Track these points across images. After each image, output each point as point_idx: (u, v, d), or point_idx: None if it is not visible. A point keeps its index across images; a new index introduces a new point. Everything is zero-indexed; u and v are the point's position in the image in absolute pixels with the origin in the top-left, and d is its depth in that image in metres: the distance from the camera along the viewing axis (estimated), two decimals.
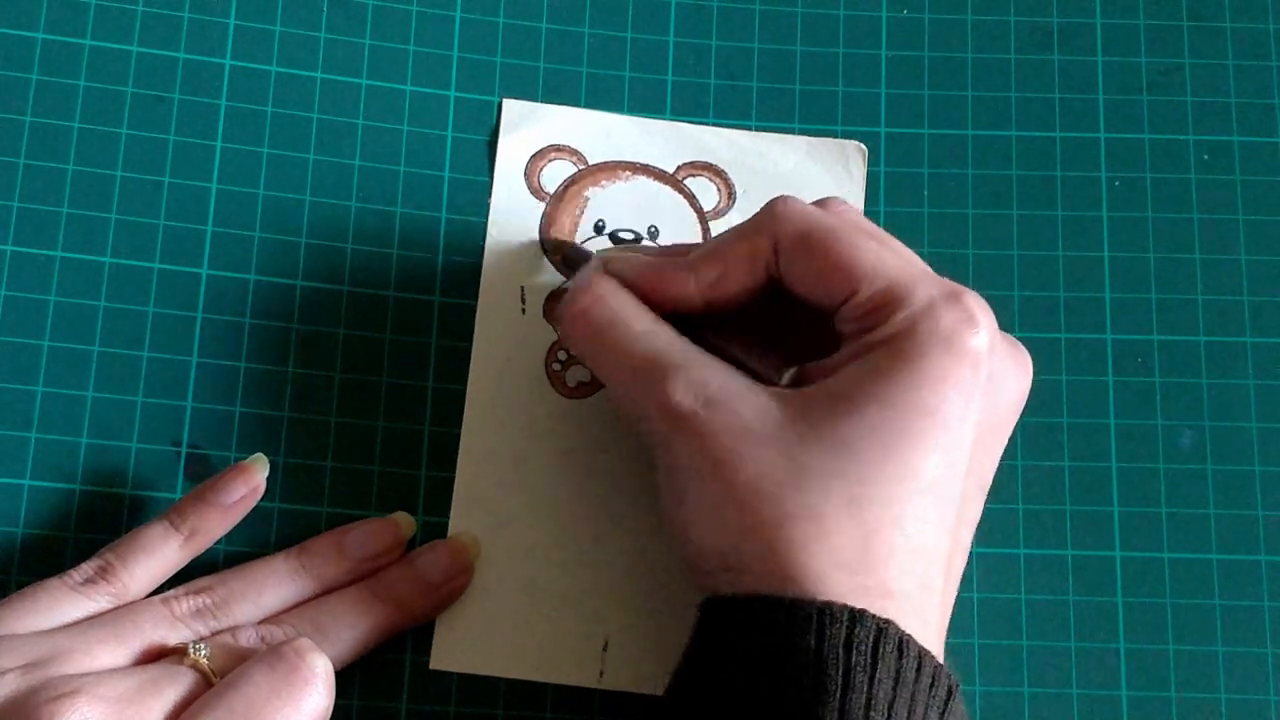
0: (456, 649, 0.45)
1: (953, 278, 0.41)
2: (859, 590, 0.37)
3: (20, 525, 0.45)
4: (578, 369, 0.48)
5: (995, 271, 0.50)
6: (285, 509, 0.46)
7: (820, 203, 0.42)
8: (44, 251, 0.47)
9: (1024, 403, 0.42)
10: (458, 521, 0.46)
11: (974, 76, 0.51)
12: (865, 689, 0.35)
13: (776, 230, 0.41)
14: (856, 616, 0.36)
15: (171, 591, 0.43)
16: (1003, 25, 0.52)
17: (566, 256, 0.48)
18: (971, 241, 0.50)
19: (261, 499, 0.44)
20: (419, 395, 0.47)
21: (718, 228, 0.49)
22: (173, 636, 0.41)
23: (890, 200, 0.50)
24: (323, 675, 0.39)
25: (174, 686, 0.39)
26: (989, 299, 0.40)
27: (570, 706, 0.45)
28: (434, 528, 0.46)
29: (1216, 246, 0.50)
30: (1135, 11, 0.52)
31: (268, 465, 0.45)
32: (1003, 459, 0.42)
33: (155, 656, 0.41)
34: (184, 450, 0.46)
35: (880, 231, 0.42)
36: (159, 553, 0.43)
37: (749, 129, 0.51)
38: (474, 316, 0.48)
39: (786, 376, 0.41)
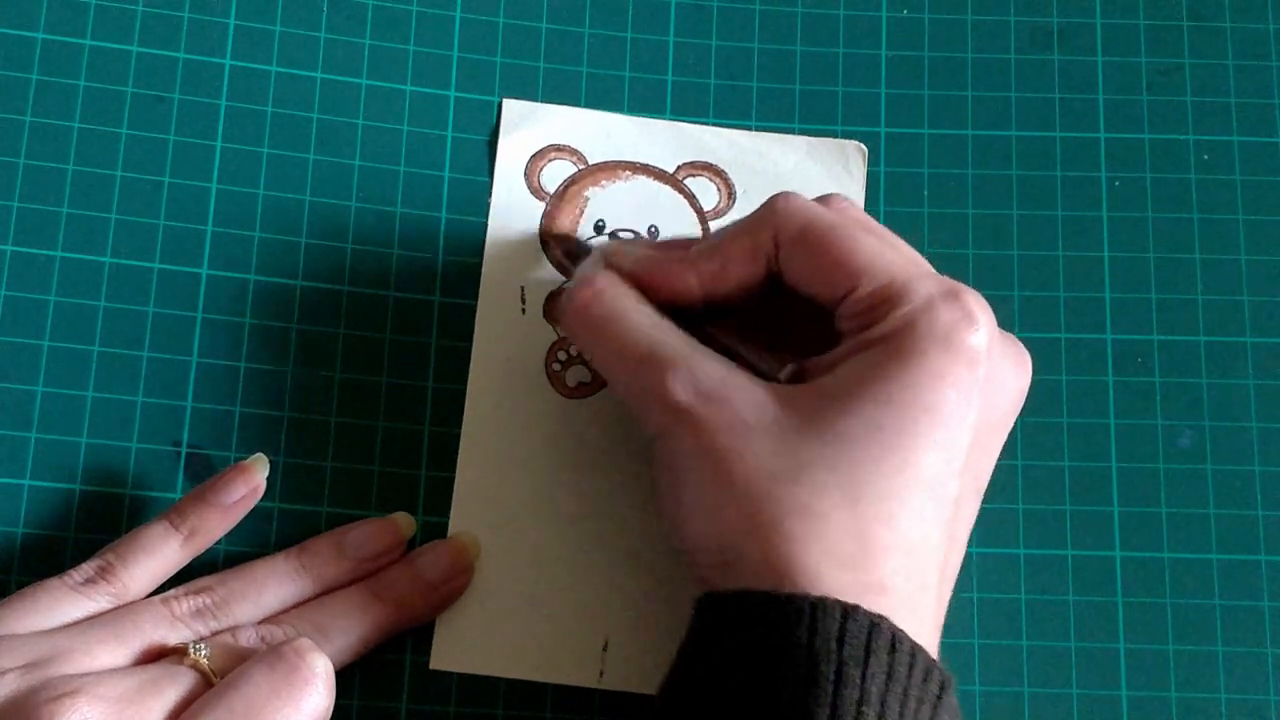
0: (456, 649, 0.45)
1: (953, 278, 0.41)
2: (853, 586, 0.37)
3: (20, 525, 0.45)
4: (578, 369, 0.48)
5: (995, 271, 0.50)
6: (285, 509, 0.46)
7: (823, 199, 0.42)
8: (44, 251, 0.47)
9: (1023, 401, 0.42)
10: (458, 521, 0.46)
11: (974, 76, 0.51)
12: (858, 684, 0.35)
13: (777, 225, 0.41)
14: (849, 612, 0.36)
15: (171, 591, 0.43)
16: (1003, 25, 0.52)
17: (569, 250, 0.48)
18: (971, 241, 0.50)
19: (261, 499, 0.44)
20: (419, 395, 0.47)
21: (717, 227, 0.49)
22: (173, 636, 0.41)
23: (890, 200, 0.50)
24: (323, 675, 0.39)
25: (174, 686, 0.39)
26: (989, 299, 0.40)
27: (570, 706, 0.45)
28: (434, 528, 0.46)
29: (1216, 246, 0.50)
30: (1135, 11, 0.52)
31: (268, 465, 0.45)
32: (1003, 459, 0.42)
33: (155, 656, 0.41)
34: (184, 450, 0.46)
35: (882, 228, 0.42)
36: (159, 553, 0.43)
37: (749, 129, 0.51)
38: (474, 316, 0.48)
39: (786, 372, 0.42)
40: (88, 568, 0.42)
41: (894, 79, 0.51)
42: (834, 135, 0.51)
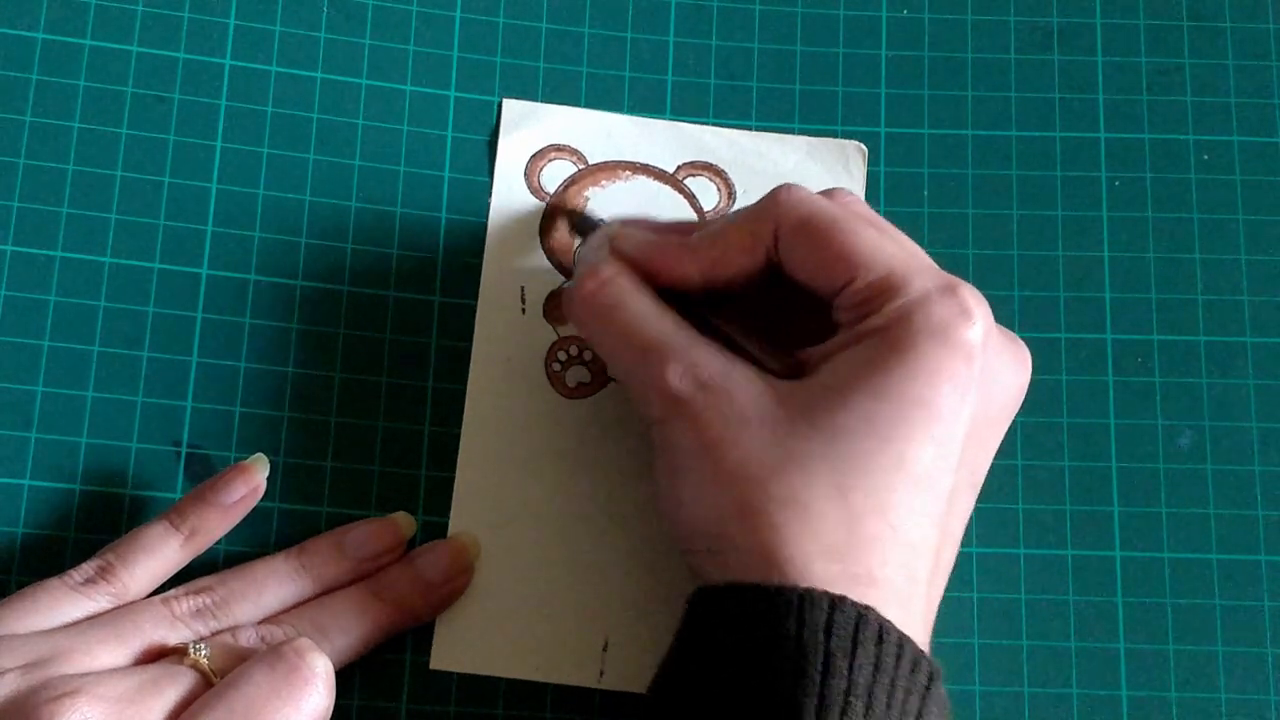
0: (456, 649, 0.45)
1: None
2: (842, 577, 0.37)
3: (20, 525, 0.45)
4: (578, 369, 0.48)
5: (995, 271, 0.50)
6: (285, 509, 0.46)
7: (826, 193, 0.42)
8: (44, 251, 0.47)
9: (1022, 397, 0.42)
10: (458, 521, 0.46)
11: (974, 76, 0.51)
12: (845, 674, 0.36)
13: (779, 215, 0.41)
14: (836, 603, 0.36)
15: (171, 591, 0.43)
16: (1003, 25, 0.52)
17: (575, 224, 0.48)
18: (971, 241, 0.50)
19: (261, 499, 0.44)
20: (419, 395, 0.47)
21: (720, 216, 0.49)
22: (173, 636, 0.41)
23: (890, 200, 0.50)
24: (323, 675, 0.39)
25: (174, 686, 0.39)
26: (989, 299, 0.40)
27: (570, 706, 0.45)
28: (434, 528, 0.46)
29: (1216, 246, 0.50)
30: (1135, 11, 0.52)
31: (268, 465, 0.45)
32: (1002, 459, 0.42)
33: (155, 656, 0.41)
34: (184, 450, 0.46)
35: (884, 223, 0.42)
36: (159, 553, 0.43)
37: (749, 129, 0.51)
38: (474, 316, 0.48)
39: (784, 363, 0.42)
40: (88, 568, 0.42)
41: (894, 79, 0.51)
42: (834, 135, 0.51)
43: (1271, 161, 0.51)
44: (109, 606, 0.42)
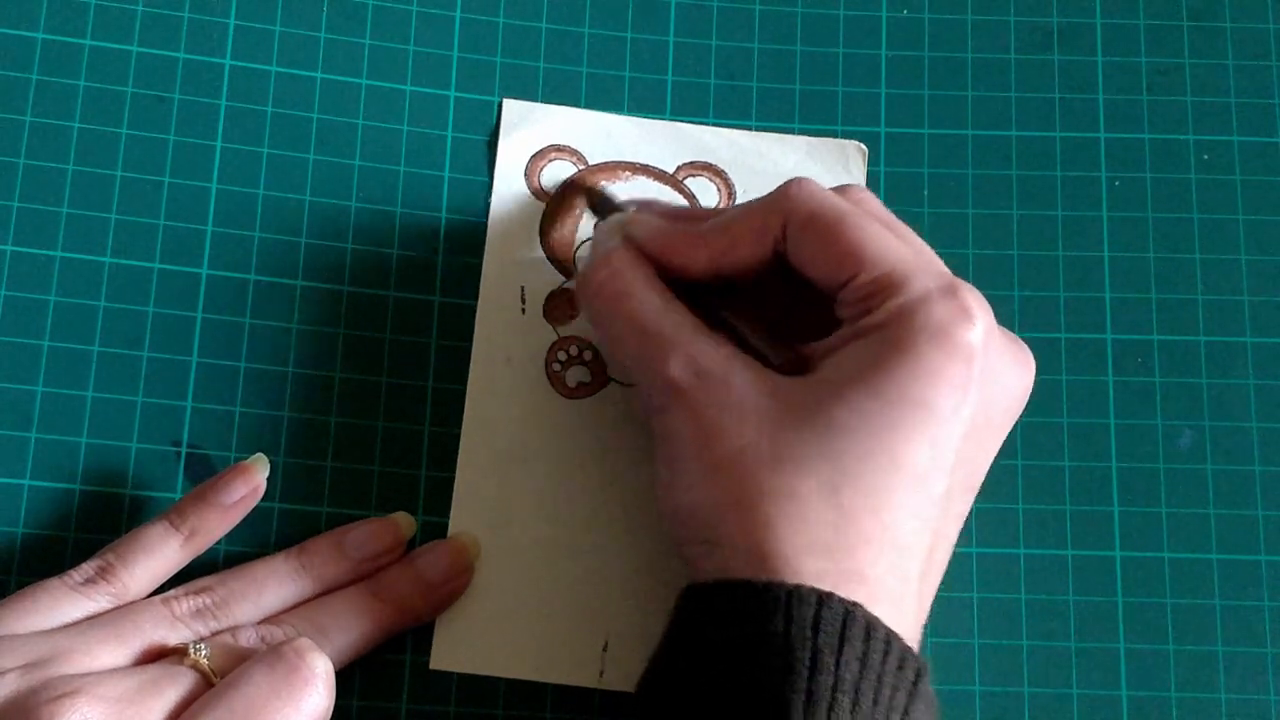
0: (456, 649, 0.45)
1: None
2: (831, 573, 0.37)
3: (20, 525, 0.45)
4: (578, 369, 0.48)
5: (995, 271, 0.50)
6: (285, 509, 0.46)
7: (841, 189, 0.42)
8: (44, 251, 0.47)
9: (1025, 400, 0.42)
10: (458, 521, 0.46)
11: (974, 76, 0.51)
12: (832, 670, 0.36)
13: (788, 209, 0.41)
14: (824, 599, 0.36)
15: (172, 591, 0.43)
16: (1003, 25, 0.52)
17: (595, 204, 0.48)
18: (971, 241, 0.50)
19: (261, 499, 0.44)
20: (419, 395, 0.47)
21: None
22: (173, 636, 0.41)
23: (890, 200, 0.50)
24: (323, 675, 0.39)
25: (174, 686, 0.39)
26: (989, 299, 0.40)
27: (570, 706, 0.45)
28: (434, 528, 0.46)
29: (1216, 246, 0.50)
30: (1135, 11, 0.52)
31: (268, 465, 0.45)
32: (1003, 459, 0.42)
33: (155, 656, 0.41)
34: (184, 450, 0.46)
35: (895, 221, 0.42)
36: (159, 553, 0.43)
37: (749, 129, 0.51)
38: (474, 316, 0.48)
39: (789, 358, 0.42)
40: (88, 568, 0.42)
41: (894, 79, 0.51)
42: (834, 135, 0.51)
43: (1271, 161, 0.51)
44: (109, 606, 0.42)
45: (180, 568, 0.43)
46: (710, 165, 0.50)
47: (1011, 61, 0.52)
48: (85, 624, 0.41)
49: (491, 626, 0.45)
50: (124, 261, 0.47)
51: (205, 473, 0.46)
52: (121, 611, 0.41)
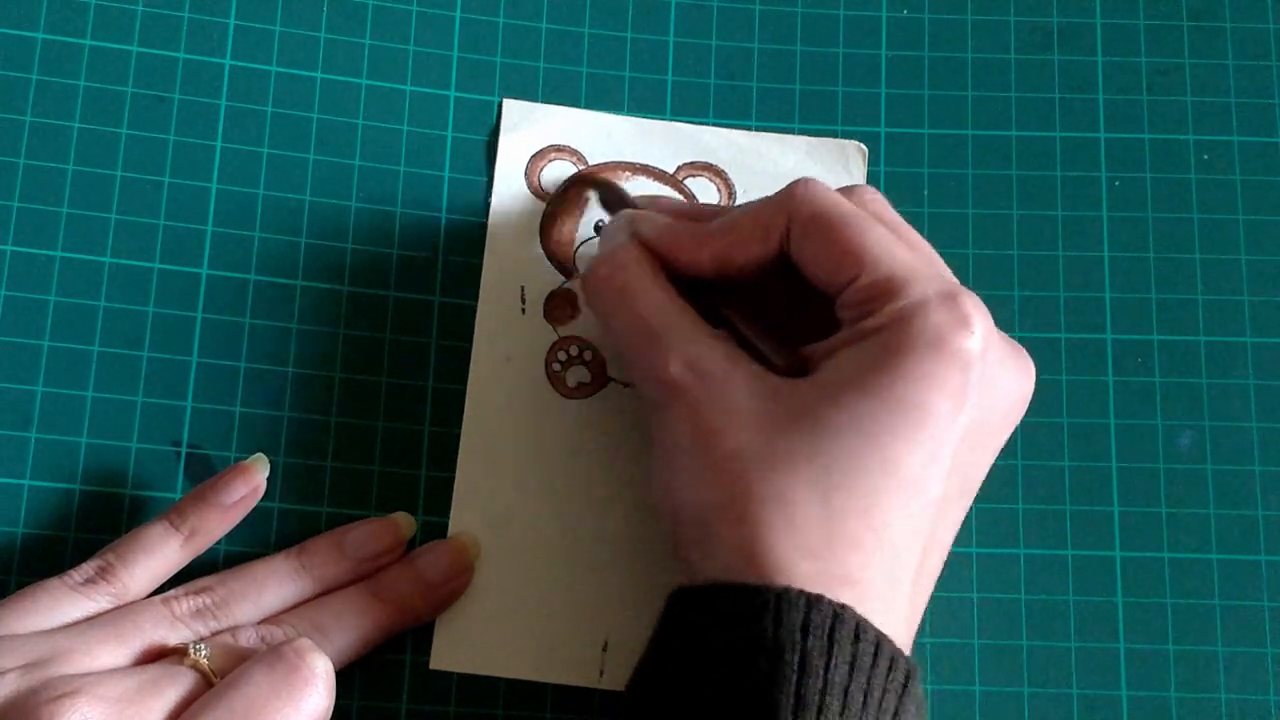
0: (456, 649, 0.45)
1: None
2: (821, 576, 0.37)
3: (20, 525, 0.45)
4: (578, 369, 0.48)
5: (995, 271, 0.50)
6: (285, 509, 0.46)
7: (848, 190, 0.42)
8: (44, 251, 0.47)
9: (1025, 408, 0.42)
10: (458, 521, 0.46)
11: (974, 76, 0.51)
12: (821, 673, 0.36)
13: (792, 209, 0.41)
14: (813, 602, 0.36)
15: (172, 591, 0.43)
16: (1003, 25, 0.52)
17: (606, 199, 0.48)
18: (971, 241, 0.50)
19: (261, 499, 0.44)
20: (419, 395, 0.47)
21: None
22: (173, 636, 0.41)
23: (890, 200, 0.50)
24: (323, 675, 0.39)
25: (174, 686, 0.39)
26: (989, 299, 0.40)
27: (570, 706, 0.45)
28: (434, 528, 0.46)
29: (1216, 246, 0.50)
30: (1135, 11, 0.52)
31: (268, 465, 0.45)
32: (1003, 459, 0.42)
33: (155, 656, 0.41)
34: (184, 450, 0.46)
35: (902, 224, 0.42)
36: (159, 553, 0.43)
37: (749, 129, 0.51)
38: (474, 316, 0.48)
39: (790, 360, 0.42)
40: (88, 568, 0.42)
41: (894, 79, 0.51)
42: (834, 135, 0.51)
43: (1271, 161, 0.51)
44: (109, 606, 0.42)
45: (180, 568, 0.43)
46: (710, 165, 0.50)
47: (1011, 61, 0.52)
48: (85, 624, 0.41)
49: (491, 626, 0.45)
50: (124, 261, 0.47)
51: (205, 473, 0.46)
52: (121, 611, 0.41)
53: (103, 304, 0.47)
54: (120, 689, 0.38)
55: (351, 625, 0.43)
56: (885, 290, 0.39)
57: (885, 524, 0.38)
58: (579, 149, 0.50)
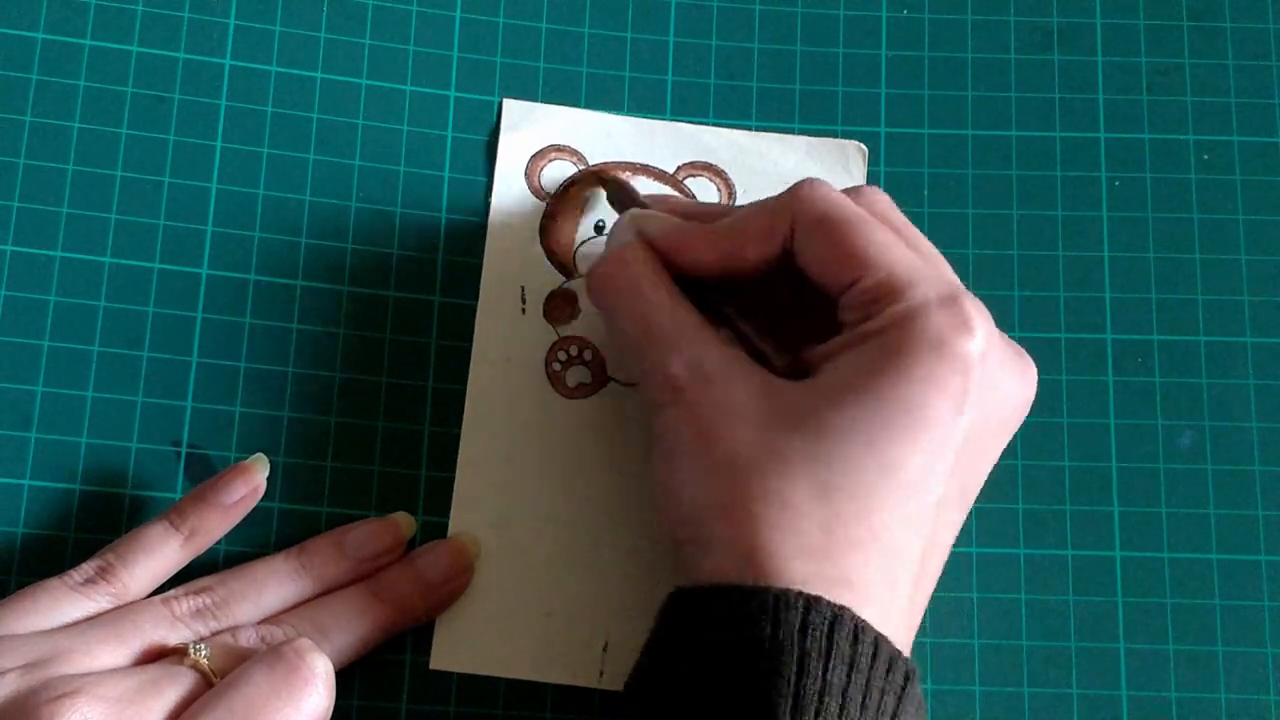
0: (456, 649, 0.45)
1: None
2: (818, 577, 0.37)
3: (20, 525, 0.45)
4: (578, 369, 0.48)
5: (995, 271, 0.50)
6: (285, 509, 0.46)
7: (853, 191, 0.42)
8: (44, 251, 0.47)
9: (1026, 411, 0.42)
10: (458, 521, 0.46)
11: (974, 76, 0.51)
12: (820, 675, 0.36)
13: (796, 209, 0.41)
14: (811, 603, 0.36)
15: (172, 591, 0.43)
16: (1003, 25, 0.52)
17: (614, 196, 0.48)
18: (971, 241, 0.50)
19: (261, 499, 0.44)
20: (419, 395, 0.47)
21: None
22: (173, 636, 0.41)
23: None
24: (323, 675, 0.39)
25: (174, 686, 0.39)
26: (989, 299, 0.40)
27: (570, 706, 0.45)
28: (434, 528, 0.46)
29: (1216, 246, 0.50)
30: (1135, 11, 0.52)
31: (268, 465, 0.45)
32: (1003, 459, 0.42)
33: (155, 656, 0.41)
34: (184, 450, 0.46)
35: (907, 225, 0.42)
36: (159, 553, 0.43)
37: (749, 129, 0.51)
38: (474, 316, 0.48)
39: (791, 361, 0.42)
40: (88, 568, 0.42)
41: (894, 79, 0.51)
42: (834, 135, 0.51)
43: (1271, 161, 0.51)
44: (109, 606, 0.42)
45: (180, 568, 0.43)
46: (710, 165, 0.50)
47: (1011, 61, 0.52)
48: (85, 624, 0.41)
49: (491, 626, 0.45)
50: (124, 261, 0.47)
51: (205, 473, 0.46)
52: (121, 611, 0.41)
53: (103, 304, 0.47)
54: (120, 689, 0.38)
55: (351, 625, 0.43)
56: (886, 292, 0.39)
57: (885, 526, 0.38)
58: (579, 149, 0.50)
